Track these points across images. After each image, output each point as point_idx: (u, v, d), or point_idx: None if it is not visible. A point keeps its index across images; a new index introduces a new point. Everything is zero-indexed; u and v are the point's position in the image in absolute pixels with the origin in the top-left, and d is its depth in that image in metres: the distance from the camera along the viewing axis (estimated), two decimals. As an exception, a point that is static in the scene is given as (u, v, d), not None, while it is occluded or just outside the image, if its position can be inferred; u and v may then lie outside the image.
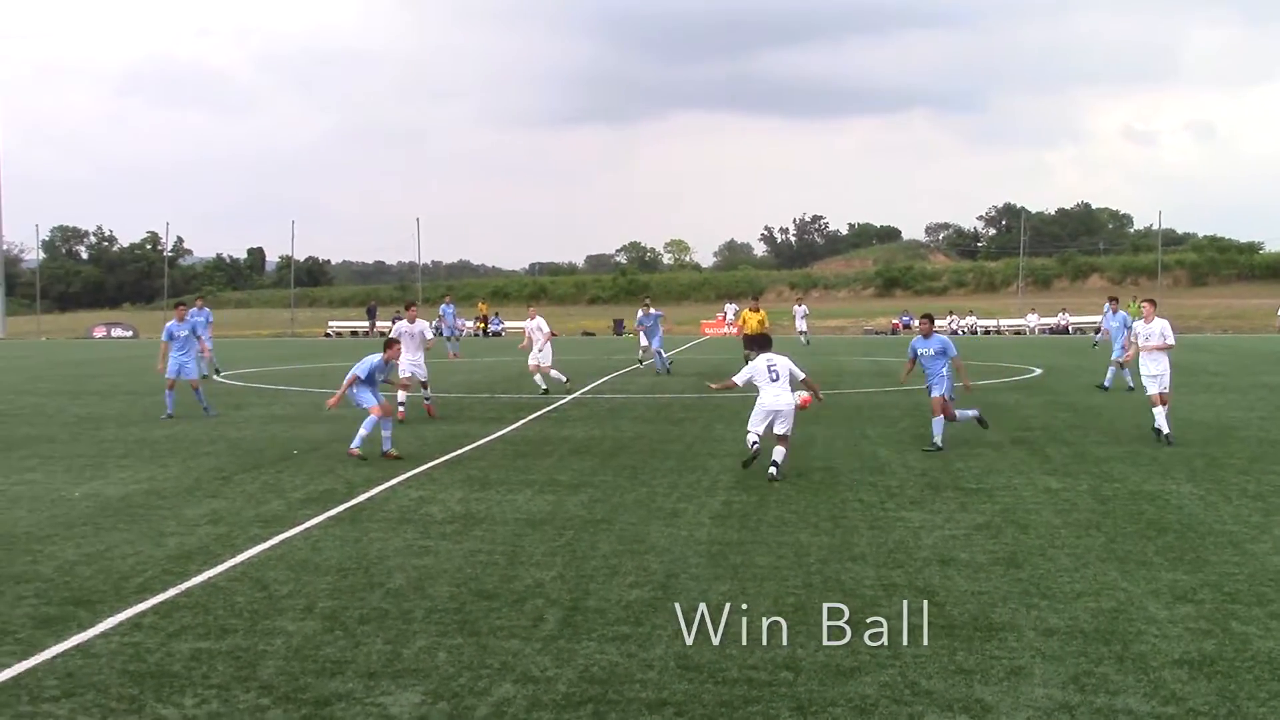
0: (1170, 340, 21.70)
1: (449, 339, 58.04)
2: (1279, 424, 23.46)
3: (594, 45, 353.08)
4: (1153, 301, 23.15)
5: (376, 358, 20.21)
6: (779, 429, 17.42)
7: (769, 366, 17.65)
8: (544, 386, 32.21)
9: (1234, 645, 9.16)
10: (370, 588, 11.18)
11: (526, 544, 13.02)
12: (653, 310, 41.41)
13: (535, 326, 33.27)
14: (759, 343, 18.81)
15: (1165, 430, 20.66)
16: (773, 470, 17.04)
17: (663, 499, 15.67)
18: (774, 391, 17.45)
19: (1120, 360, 30.84)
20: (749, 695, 8.13)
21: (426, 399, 27.26)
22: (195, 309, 26.70)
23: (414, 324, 27.28)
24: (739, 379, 18.01)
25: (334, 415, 26.86)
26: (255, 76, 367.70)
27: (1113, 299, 36.62)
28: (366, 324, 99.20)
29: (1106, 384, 31.99)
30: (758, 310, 41.13)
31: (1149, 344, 21.67)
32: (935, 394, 20.26)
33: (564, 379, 32.83)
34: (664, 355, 41.05)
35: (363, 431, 19.73)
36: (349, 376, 20.02)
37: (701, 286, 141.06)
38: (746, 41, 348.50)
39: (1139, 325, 22.26)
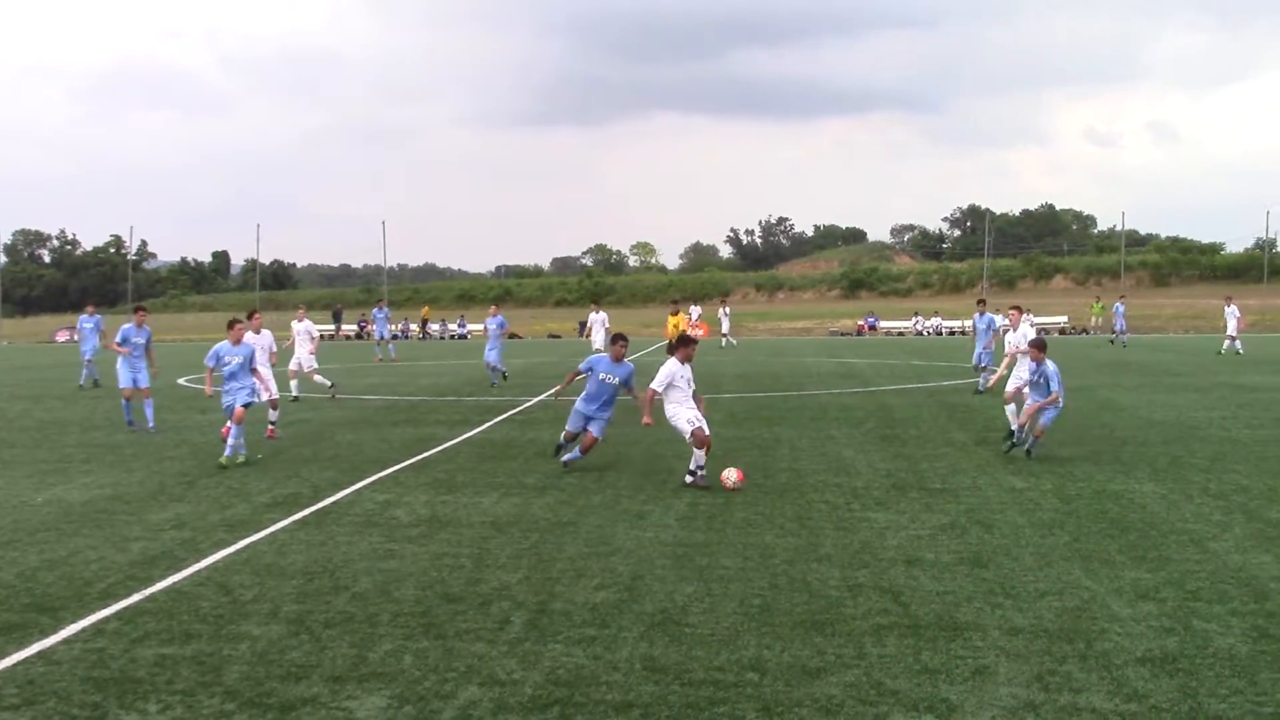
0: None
1: (379, 342, 57.27)
2: (1240, 423, 23.62)
3: (561, 47, 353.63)
4: (1019, 309, 23.09)
5: (223, 344, 20.18)
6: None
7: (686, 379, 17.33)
8: (296, 395, 31.81)
9: (1195, 642, 9.22)
10: (336, 591, 11.14)
11: (492, 547, 12.99)
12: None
13: (304, 330, 32.93)
14: (684, 344, 17.96)
15: (1013, 427, 20.74)
16: (697, 479, 16.76)
17: (628, 501, 15.67)
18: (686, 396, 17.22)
19: (982, 366, 30.93)
20: (715, 696, 8.14)
21: (272, 422, 23.71)
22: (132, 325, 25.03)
23: (259, 335, 23.63)
24: (657, 384, 17.19)
25: (301, 419, 26.81)
26: (225, 78, 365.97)
27: (981, 301, 36.74)
28: (332, 327, 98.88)
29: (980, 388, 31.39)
30: (677, 314, 40.74)
31: (1018, 349, 21.60)
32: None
33: (328, 383, 32.61)
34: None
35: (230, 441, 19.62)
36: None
37: (667, 289, 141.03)
38: (714, 44, 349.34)
39: (1010, 335, 22.19)
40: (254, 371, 20.50)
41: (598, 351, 43.34)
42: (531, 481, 17.36)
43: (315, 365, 32.54)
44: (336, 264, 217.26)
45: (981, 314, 31.83)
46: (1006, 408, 21.10)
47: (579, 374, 18.57)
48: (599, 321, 44.19)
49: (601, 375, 17.78)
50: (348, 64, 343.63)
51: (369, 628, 9.93)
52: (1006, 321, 25.41)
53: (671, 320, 39.15)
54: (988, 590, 10.85)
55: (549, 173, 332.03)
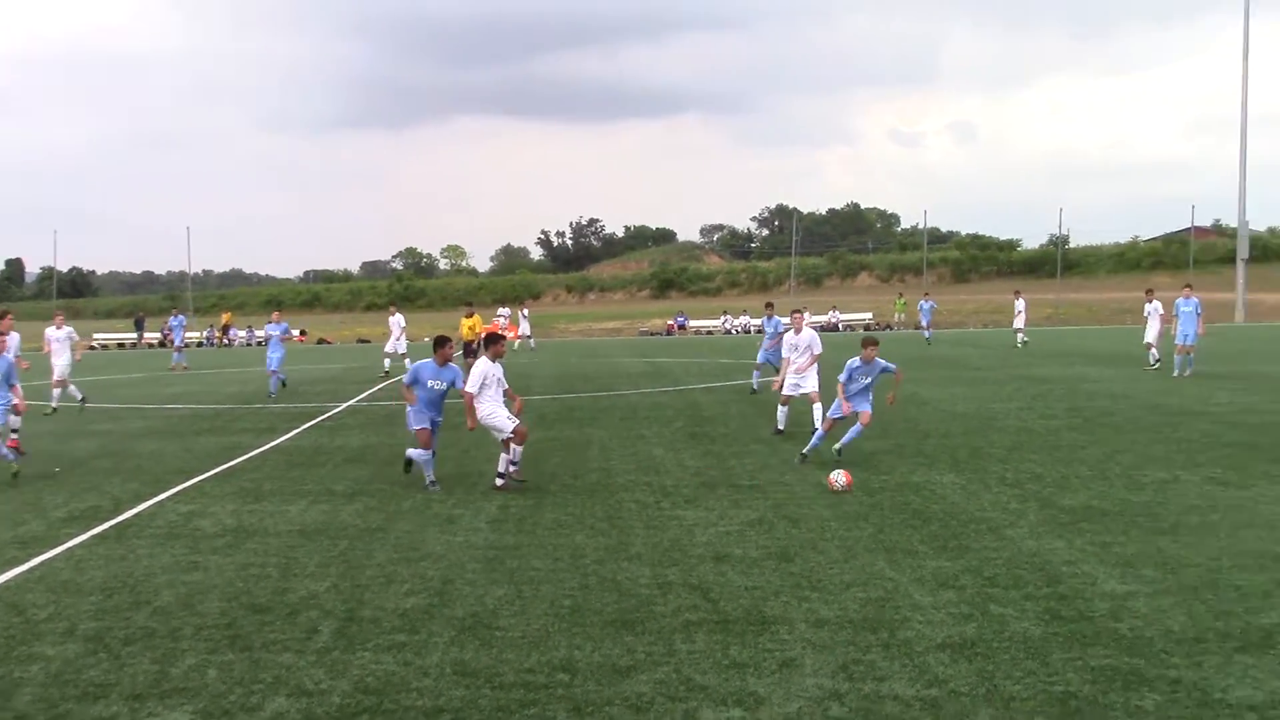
0: (817, 350, 21.89)
1: (178, 350, 55.44)
2: (1035, 414, 24.40)
3: (363, 50, 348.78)
4: (801, 311, 23.51)
5: None
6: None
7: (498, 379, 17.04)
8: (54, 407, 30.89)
9: (992, 627, 9.50)
10: (136, 606, 10.86)
11: (300, 555, 12.81)
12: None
13: (64, 336, 31.58)
14: (493, 343, 17.53)
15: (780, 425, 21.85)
16: (511, 475, 16.82)
17: (439, 505, 15.57)
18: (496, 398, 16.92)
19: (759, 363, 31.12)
20: (525, 699, 8.14)
21: (14, 431, 21.84)
22: None
23: (7, 337, 21.41)
24: (472, 386, 16.75)
25: (101, 430, 26.07)
26: (14, 78, 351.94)
27: (769, 305, 37.21)
28: (134, 336, 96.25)
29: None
30: (471, 315, 40.19)
31: (798, 360, 21.90)
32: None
33: (79, 396, 31.51)
34: None
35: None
36: None
37: (478, 291, 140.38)
38: (522, 46, 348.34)
39: (788, 336, 22.52)
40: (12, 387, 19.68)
41: (391, 354, 42.85)
42: (340, 488, 17.15)
43: (68, 374, 31.19)
44: (139, 271, 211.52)
45: (769, 317, 31.88)
46: (780, 408, 21.94)
47: (410, 388, 17.41)
48: (396, 324, 43.56)
49: (430, 383, 17.33)
50: (149, 66, 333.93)
51: (171, 642, 9.70)
52: (787, 322, 25.83)
53: (465, 323, 38.32)
54: (794, 584, 11.03)
55: (356, 176, 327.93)
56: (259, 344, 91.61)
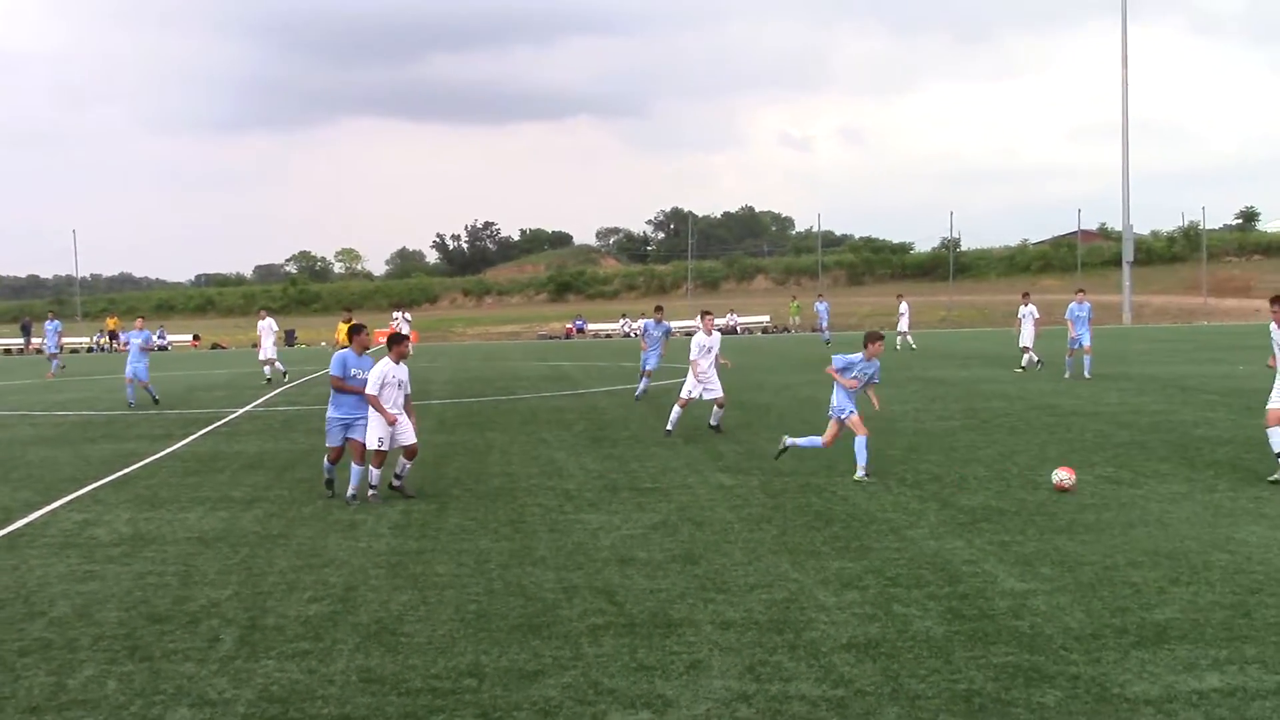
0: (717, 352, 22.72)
1: (50, 357, 53.45)
2: (932, 415, 24.71)
3: (256, 50, 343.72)
4: (710, 313, 23.78)
5: None
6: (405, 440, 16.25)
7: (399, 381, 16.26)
8: None
9: (896, 627, 9.61)
10: (30, 618, 10.65)
11: (200, 563, 12.63)
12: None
13: None
14: (396, 343, 16.60)
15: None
16: (397, 484, 16.35)
17: (340, 511, 15.44)
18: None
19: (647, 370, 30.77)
20: (433, 705, 8.10)
21: None
22: None
23: None
24: (371, 387, 15.92)
25: (-14, 438, 25.53)
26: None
27: (658, 308, 37.24)
28: (21, 341, 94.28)
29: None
30: (349, 321, 38.89)
31: (706, 362, 22.36)
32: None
33: None
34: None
35: None
36: None
37: (374, 295, 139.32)
38: (405, 48, 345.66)
39: (699, 338, 22.65)
40: None
41: (267, 362, 42.17)
42: (239, 495, 16.94)
43: None
44: (24, 275, 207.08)
45: (658, 321, 31.40)
46: (678, 409, 22.27)
47: (344, 380, 16.31)
48: (267, 328, 42.76)
49: (354, 371, 16.32)
50: (22, 61, 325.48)
51: (68, 653, 9.53)
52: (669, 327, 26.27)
53: (342, 327, 37.22)
54: (700, 586, 11.08)
55: (247, 179, 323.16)
56: (152, 349, 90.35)
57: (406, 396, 16.50)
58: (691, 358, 22.46)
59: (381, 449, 16.01)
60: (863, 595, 10.61)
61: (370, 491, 15.99)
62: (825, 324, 64.20)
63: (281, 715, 7.99)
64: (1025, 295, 39.96)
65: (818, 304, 66.63)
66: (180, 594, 11.34)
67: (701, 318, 23.47)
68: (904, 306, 55.22)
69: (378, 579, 11.71)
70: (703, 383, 22.07)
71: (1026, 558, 11.83)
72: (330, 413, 16.45)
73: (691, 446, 20.71)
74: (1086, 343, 32.96)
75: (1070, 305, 34.02)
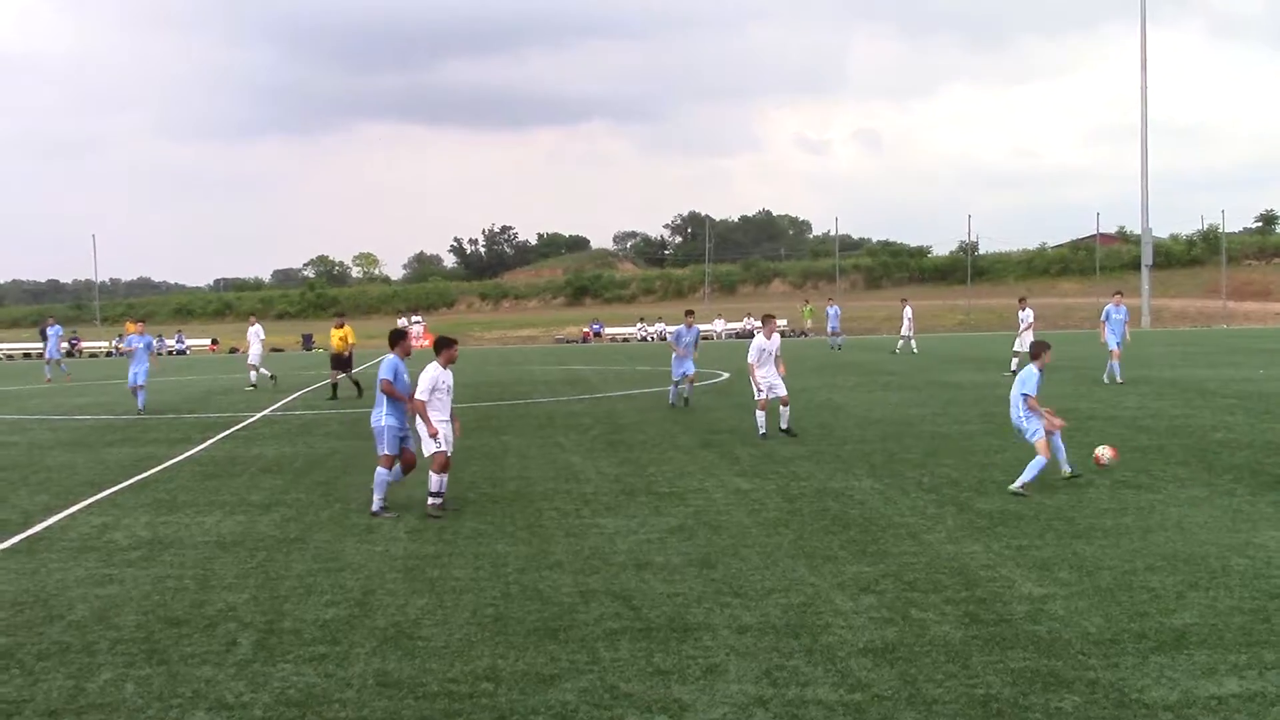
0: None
1: (50, 362, 53.11)
2: (949, 419, 24.67)
3: (275, 55, 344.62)
4: (771, 316, 24.06)
5: None
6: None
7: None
8: None
9: (913, 631, 9.60)
10: (49, 621, 10.68)
11: (217, 567, 12.66)
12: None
13: None
14: (446, 346, 15.78)
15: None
16: (434, 502, 15.33)
17: (357, 515, 15.46)
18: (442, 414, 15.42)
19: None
20: (450, 709, 8.10)
21: None
22: None
23: None
24: (422, 393, 15.26)
25: (8, 441, 25.63)
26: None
27: (689, 312, 37.01)
28: (41, 345, 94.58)
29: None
30: (342, 326, 36.78)
31: (766, 364, 22.72)
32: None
33: None
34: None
35: None
36: None
37: (392, 299, 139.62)
38: (427, 53, 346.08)
39: (759, 341, 22.75)
40: None
41: (253, 368, 42.30)
42: (257, 499, 16.98)
43: None
44: (44, 279, 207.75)
45: (689, 326, 30.80)
46: (761, 413, 22.44)
47: (393, 383, 15.81)
48: (255, 335, 42.95)
49: (405, 378, 15.95)
50: (40, 68, 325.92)
51: (87, 657, 9.56)
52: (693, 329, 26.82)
53: (335, 334, 36.38)
54: (716, 590, 11.07)
55: (265, 184, 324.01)
56: (170, 353, 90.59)
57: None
58: (749, 360, 22.73)
59: (441, 450, 15.24)
60: (880, 599, 10.60)
61: (432, 501, 15.31)
62: (836, 328, 63.67)
63: (299, 719, 8.01)
64: (1022, 300, 39.93)
65: (829, 308, 66.20)
66: (198, 598, 11.37)
67: (764, 321, 23.59)
68: (908, 311, 55.36)
69: (394, 583, 11.73)
70: (766, 384, 22.19)
71: (1044, 562, 11.80)
72: (387, 420, 15.63)
73: (708, 451, 20.70)
74: (1114, 346, 32.52)
75: (1107, 307, 33.61)
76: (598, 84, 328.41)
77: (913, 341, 55.42)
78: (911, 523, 14.00)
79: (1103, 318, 33.78)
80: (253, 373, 42.21)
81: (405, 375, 15.83)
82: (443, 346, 15.74)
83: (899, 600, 10.56)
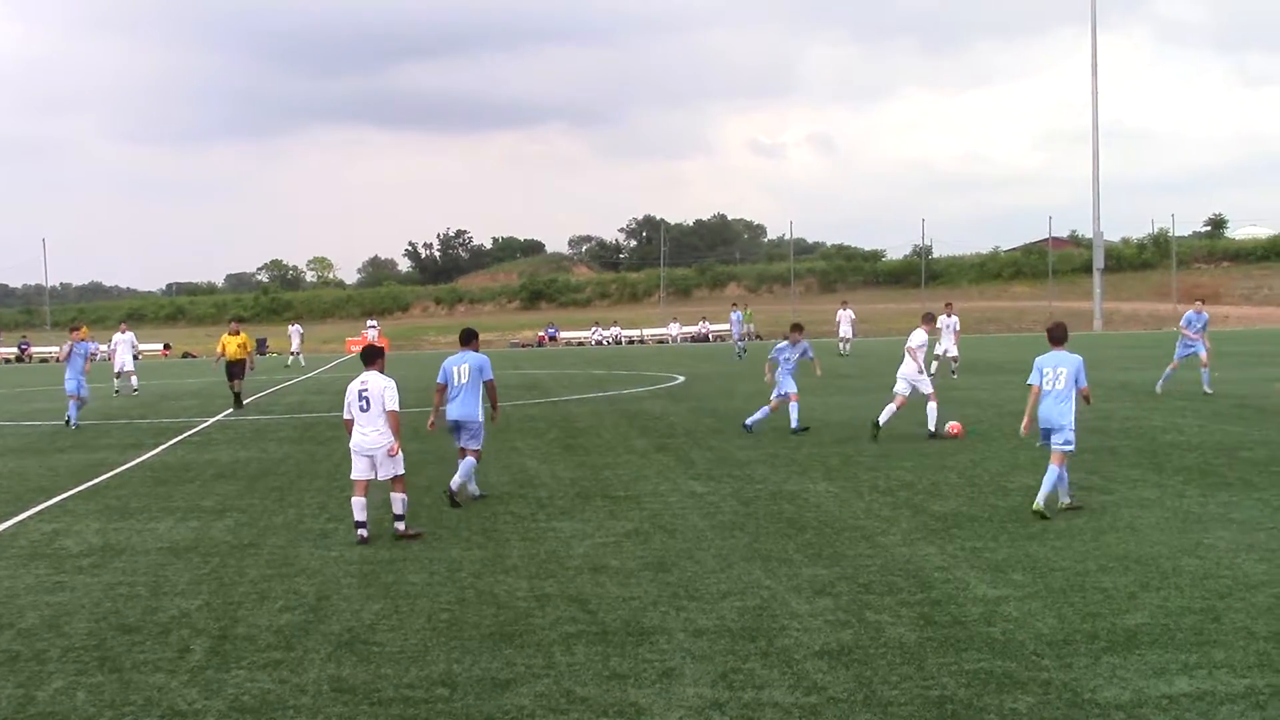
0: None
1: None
2: (904, 422, 24.73)
3: (228, 58, 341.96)
4: (932, 314, 24.92)
5: None
6: (383, 473, 14.12)
7: (360, 392, 14.06)
8: None
9: (869, 633, 9.63)
10: None
11: (170, 573, 12.57)
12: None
13: None
14: (363, 357, 14.60)
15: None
16: (398, 526, 14.25)
17: (312, 520, 15.39)
18: (362, 428, 14.07)
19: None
20: (405, 714, 8.07)
21: None
22: None
23: None
24: (345, 412, 14.29)
25: (-45, 448, 25.35)
26: None
27: (798, 326, 36.99)
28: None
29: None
30: (238, 334, 35.11)
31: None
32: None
33: None
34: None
35: None
36: None
37: (346, 304, 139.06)
38: (382, 57, 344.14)
39: (919, 335, 23.26)
40: None
41: (120, 375, 41.91)
42: (210, 504, 16.87)
43: None
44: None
45: (794, 342, 30.10)
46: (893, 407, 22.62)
47: (443, 386, 16.38)
48: (125, 342, 42.15)
49: (455, 367, 16.23)
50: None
51: (37, 665, 9.47)
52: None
53: (232, 341, 34.72)
54: (672, 594, 11.07)
55: (217, 187, 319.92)
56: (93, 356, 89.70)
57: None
58: (912, 345, 23.02)
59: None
60: (835, 602, 10.63)
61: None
62: (738, 334, 61.51)
63: (253, 726, 7.96)
64: (949, 305, 40.30)
65: (733, 313, 64.23)
66: (150, 604, 11.29)
67: (924, 320, 24.16)
68: (847, 313, 56.82)
69: (349, 588, 11.68)
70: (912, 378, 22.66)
71: (998, 564, 11.87)
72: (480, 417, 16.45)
73: (663, 454, 20.72)
74: (1203, 353, 30.61)
75: (1187, 314, 31.94)
76: (553, 88, 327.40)
77: (849, 345, 57.68)
78: (866, 525, 14.06)
79: (1185, 324, 31.63)
80: (116, 380, 41.99)
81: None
82: (375, 357, 14.62)
83: (854, 603, 10.59)
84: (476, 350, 16.57)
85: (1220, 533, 13.07)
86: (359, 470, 13.99)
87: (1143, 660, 8.76)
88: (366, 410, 13.92)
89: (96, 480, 19.70)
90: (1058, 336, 14.83)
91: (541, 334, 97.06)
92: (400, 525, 14.17)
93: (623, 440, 23.03)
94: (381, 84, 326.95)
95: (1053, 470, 14.36)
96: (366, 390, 13.93)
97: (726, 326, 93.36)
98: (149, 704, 8.45)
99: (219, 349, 35.12)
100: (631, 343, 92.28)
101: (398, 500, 14.18)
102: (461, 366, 16.29)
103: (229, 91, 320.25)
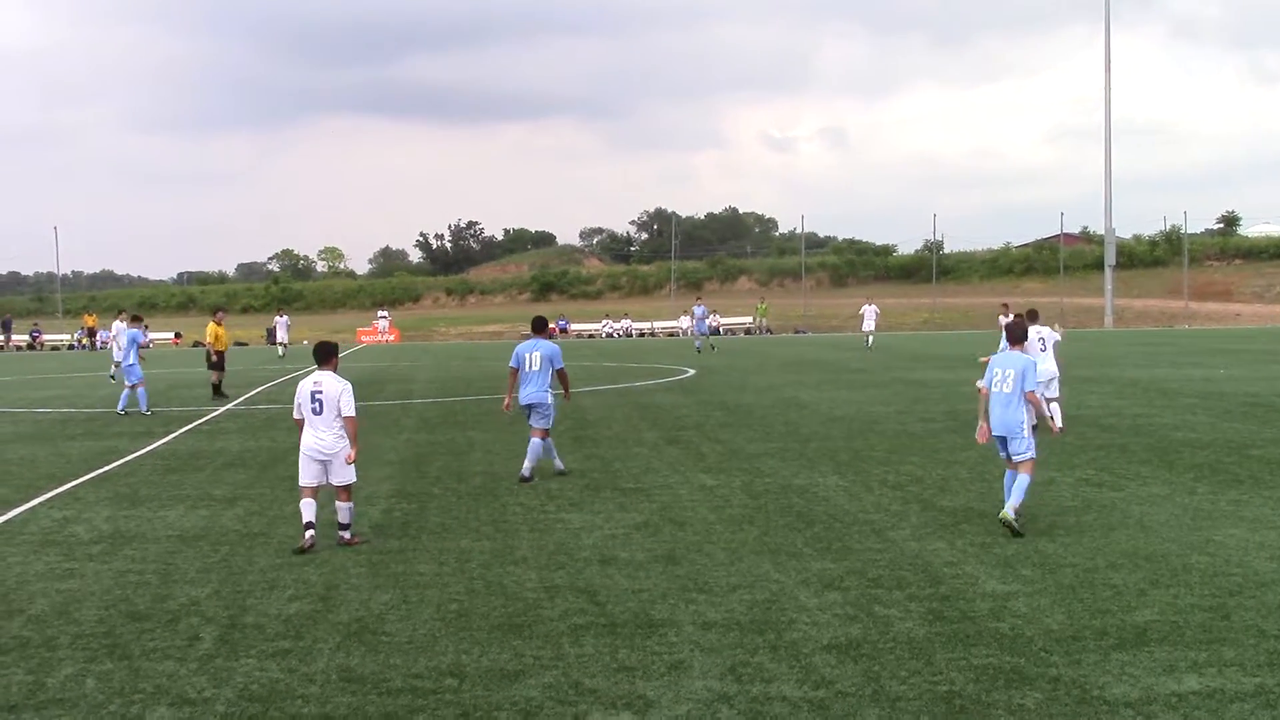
0: None
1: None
2: (914, 417, 24.75)
3: (239, 48, 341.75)
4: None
5: None
6: (336, 479, 13.49)
7: (313, 393, 13.54)
8: None
9: (877, 628, 9.63)
10: (9, 616, 10.61)
11: (180, 561, 12.60)
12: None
13: None
14: (316, 355, 14.09)
15: None
16: (342, 535, 13.40)
17: (321, 509, 15.29)
18: (315, 431, 13.55)
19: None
20: (413, 704, 8.08)
21: None
22: None
23: None
24: (295, 412, 13.81)
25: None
26: None
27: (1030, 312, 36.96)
28: (1, 337, 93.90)
29: None
30: (220, 323, 34.73)
31: None
32: None
33: None
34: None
35: None
36: None
37: (357, 294, 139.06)
38: (391, 47, 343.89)
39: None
40: None
41: (116, 364, 41.64)
42: (220, 493, 16.90)
43: None
44: (4, 272, 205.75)
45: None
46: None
47: (515, 370, 17.78)
48: (123, 331, 41.92)
49: (527, 354, 17.73)
50: (1, 59, 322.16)
51: (47, 652, 9.50)
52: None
53: (212, 326, 34.36)
54: (681, 586, 11.08)
55: (229, 177, 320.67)
56: (71, 347, 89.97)
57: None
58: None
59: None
60: (844, 596, 10.63)
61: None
62: (701, 329, 59.70)
63: (261, 714, 7.97)
64: (1005, 305, 41.32)
65: (695, 306, 62.28)
66: (160, 592, 11.31)
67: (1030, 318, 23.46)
68: (872, 308, 57.64)
69: (358, 578, 11.69)
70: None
71: (1007, 559, 11.85)
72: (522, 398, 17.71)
73: (673, 447, 20.72)
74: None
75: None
76: (564, 80, 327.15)
77: (871, 339, 57.81)
78: (876, 520, 14.05)
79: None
80: (114, 368, 41.95)
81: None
82: (332, 355, 14.06)
83: (863, 597, 10.58)
84: (548, 338, 17.97)
85: (1230, 530, 13.05)
86: (309, 475, 13.40)
87: (1152, 657, 8.75)
88: (320, 413, 13.35)
89: (107, 468, 19.73)
90: (1017, 336, 13.97)
91: (552, 326, 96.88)
92: (345, 534, 13.36)
93: (633, 433, 23.02)
94: (391, 75, 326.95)
95: (1023, 479, 13.20)
96: (320, 392, 13.38)
97: (738, 320, 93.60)
98: (158, 692, 8.47)
99: (210, 338, 34.46)
100: (642, 335, 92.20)
101: (345, 509, 13.42)
102: (534, 354, 17.64)
103: (239, 80, 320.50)
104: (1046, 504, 14.74)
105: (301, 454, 13.51)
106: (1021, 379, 13.26)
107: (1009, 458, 13.43)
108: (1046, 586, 10.81)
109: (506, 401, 18.39)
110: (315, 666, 8.96)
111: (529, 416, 17.74)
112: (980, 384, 13.87)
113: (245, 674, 8.82)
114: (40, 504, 16.39)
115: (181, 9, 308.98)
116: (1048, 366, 21.10)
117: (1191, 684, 8.18)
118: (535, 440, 17.59)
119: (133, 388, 29.67)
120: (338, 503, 13.45)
